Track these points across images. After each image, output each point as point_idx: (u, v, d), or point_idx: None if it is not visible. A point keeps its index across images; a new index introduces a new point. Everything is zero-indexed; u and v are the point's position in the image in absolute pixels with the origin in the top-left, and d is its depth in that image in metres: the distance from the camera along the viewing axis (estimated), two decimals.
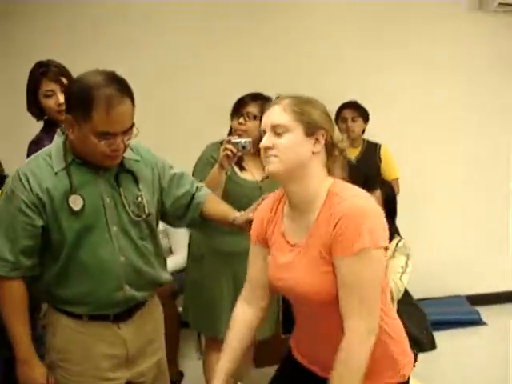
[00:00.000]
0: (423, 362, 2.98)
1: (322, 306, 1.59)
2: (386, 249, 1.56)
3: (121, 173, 1.93)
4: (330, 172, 1.66)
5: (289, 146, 1.59)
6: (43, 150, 1.95)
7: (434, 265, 4.19)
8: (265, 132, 1.64)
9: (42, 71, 2.52)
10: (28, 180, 1.83)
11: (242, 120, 2.66)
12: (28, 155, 2.51)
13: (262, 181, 2.64)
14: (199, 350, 3.62)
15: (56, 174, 1.85)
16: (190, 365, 3.50)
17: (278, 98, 1.67)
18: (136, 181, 1.96)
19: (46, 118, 2.60)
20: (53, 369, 1.96)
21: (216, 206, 2.12)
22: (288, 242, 1.68)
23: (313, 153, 1.60)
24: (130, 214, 1.92)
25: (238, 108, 2.69)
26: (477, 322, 4.16)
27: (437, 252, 4.27)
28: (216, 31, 3.95)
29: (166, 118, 3.94)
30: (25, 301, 1.90)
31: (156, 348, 2.10)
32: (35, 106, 2.54)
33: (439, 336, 3.26)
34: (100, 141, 1.77)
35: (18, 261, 1.85)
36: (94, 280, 1.89)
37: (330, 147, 1.65)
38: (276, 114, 1.62)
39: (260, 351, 2.96)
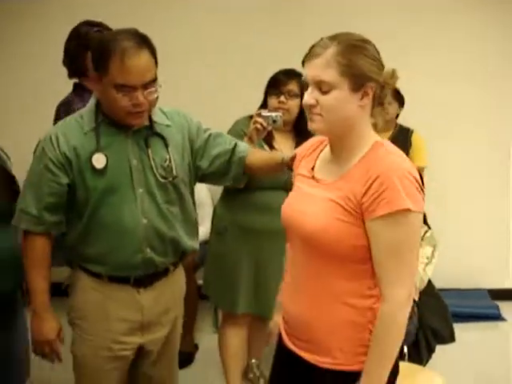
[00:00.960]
0: (440, 353, 2.96)
1: (323, 253, 1.50)
2: (424, 217, 1.49)
3: (150, 136, 1.94)
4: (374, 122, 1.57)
5: (334, 104, 1.47)
6: (78, 112, 1.98)
7: (457, 256, 4.13)
8: (307, 85, 1.52)
9: (97, 30, 2.50)
10: (58, 139, 1.88)
11: (283, 98, 2.66)
12: (56, 117, 2.51)
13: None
14: (215, 323, 3.63)
15: (85, 133, 1.89)
16: (205, 338, 3.52)
17: (321, 41, 1.50)
18: (165, 145, 1.96)
19: (76, 81, 2.58)
20: (71, 326, 2.02)
21: (259, 155, 2.08)
22: (313, 177, 1.60)
23: (360, 107, 1.49)
24: (158, 176, 1.92)
25: (277, 86, 2.68)
26: (496, 317, 4.10)
27: (461, 243, 4.22)
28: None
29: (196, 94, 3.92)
30: (47, 257, 1.95)
31: (172, 318, 2.11)
32: (78, 63, 2.50)
33: (457, 328, 3.23)
34: (119, 94, 1.79)
35: (41, 216, 1.90)
36: (114, 240, 1.91)
37: (378, 96, 1.53)
38: (319, 69, 1.47)
39: None
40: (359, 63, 1.46)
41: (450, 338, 3.07)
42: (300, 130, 2.70)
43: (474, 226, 4.29)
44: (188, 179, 2.05)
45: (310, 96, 1.50)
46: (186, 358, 3.28)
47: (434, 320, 2.86)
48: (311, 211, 1.52)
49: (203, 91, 3.96)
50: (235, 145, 2.08)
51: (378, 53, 1.52)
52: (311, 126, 1.53)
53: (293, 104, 2.67)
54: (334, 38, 1.48)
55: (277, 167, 2.01)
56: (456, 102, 4.17)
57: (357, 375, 1.49)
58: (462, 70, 4.17)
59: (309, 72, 1.50)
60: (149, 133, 1.94)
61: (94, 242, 1.94)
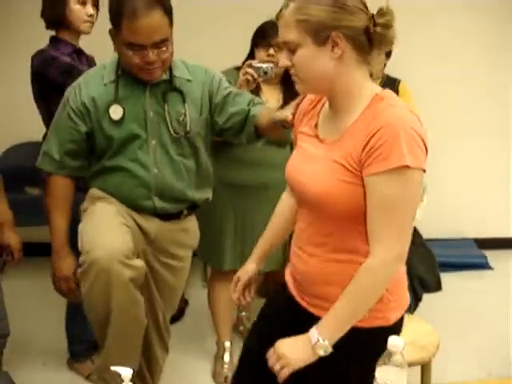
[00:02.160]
0: (427, 302, 3.00)
1: (327, 214, 1.46)
2: (424, 171, 1.39)
3: (169, 90, 2.00)
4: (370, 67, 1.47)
5: (303, 63, 1.42)
6: (102, 63, 2.07)
7: (444, 206, 4.15)
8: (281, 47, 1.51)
9: None
10: (80, 89, 1.99)
11: (272, 51, 2.58)
12: (32, 68, 2.44)
13: (277, 109, 2.59)
14: (205, 279, 3.67)
15: (105, 85, 1.98)
16: (195, 293, 3.55)
17: (287, 2, 1.45)
18: (183, 99, 2.01)
19: (52, 35, 2.52)
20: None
21: (264, 114, 2.05)
22: (317, 136, 1.53)
23: (334, 59, 1.41)
24: (171, 130, 1.99)
25: (266, 38, 2.60)
26: (483, 265, 4.16)
27: (448, 194, 4.23)
28: None
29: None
30: (68, 198, 2.09)
31: (181, 256, 2.23)
32: (58, 11, 2.45)
33: (445, 277, 3.26)
34: (130, 52, 1.85)
35: (63, 160, 2.03)
36: (126, 185, 2.03)
37: (360, 39, 1.41)
38: (282, 30, 1.45)
39: (266, 283, 2.99)
40: (315, 15, 1.38)
41: (436, 286, 3.11)
42: (288, 82, 2.64)
43: (461, 176, 4.30)
44: (205, 133, 2.10)
45: (283, 58, 1.47)
46: (177, 313, 3.30)
47: (421, 269, 2.89)
48: (312, 173, 1.48)
49: (188, 45, 3.87)
50: (252, 104, 2.08)
51: None
52: (296, 87, 1.50)
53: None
54: None
55: (273, 125, 1.96)
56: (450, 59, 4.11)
57: (373, 332, 1.46)
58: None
59: (279, 34, 1.48)
60: (167, 87, 2.00)
61: (108, 181, 2.05)
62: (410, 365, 2.02)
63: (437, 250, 3.16)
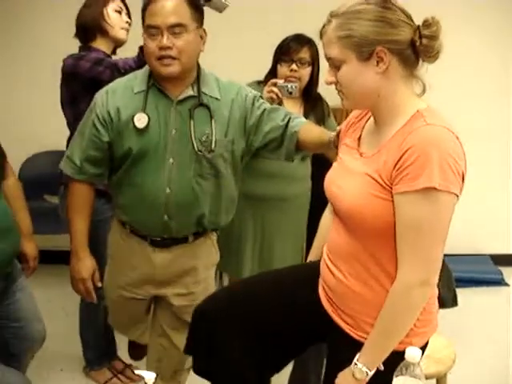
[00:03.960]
0: (443, 317, 2.98)
1: (360, 229, 1.45)
2: (457, 198, 1.36)
3: (196, 107, 1.96)
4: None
5: (347, 79, 1.42)
6: (134, 72, 2.08)
7: (461, 221, 4.12)
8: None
9: None
10: (107, 97, 1.98)
11: (294, 67, 2.60)
12: (64, 66, 2.46)
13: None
14: (220, 288, 3.67)
15: (135, 94, 1.97)
16: None
17: (329, 16, 1.44)
18: (210, 117, 1.97)
19: (81, 45, 2.55)
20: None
21: (311, 132, 1.99)
22: (358, 149, 1.52)
23: (379, 74, 1.39)
24: (195, 147, 1.95)
25: (288, 54, 2.61)
26: (499, 282, 4.14)
27: (465, 209, 4.19)
28: None
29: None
30: (88, 202, 2.10)
31: (189, 282, 2.17)
32: (97, 18, 2.49)
33: (460, 293, 3.25)
34: (148, 37, 1.87)
35: (82, 166, 2.03)
36: (136, 200, 2.02)
37: (405, 53, 1.39)
38: (326, 47, 1.44)
39: None
40: (358, 30, 1.37)
41: (452, 302, 3.10)
42: (308, 97, 2.70)
43: (478, 192, 4.28)
44: (229, 155, 2.03)
45: (328, 74, 1.47)
46: None
47: (438, 284, 2.88)
48: (347, 187, 1.47)
49: (208, 57, 3.91)
50: (289, 120, 2.01)
51: (391, 8, 1.38)
52: (342, 103, 1.50)
53: (304, 72, 2.62)
54: (335, 12, 1.43)
55: (324, 146, 1.91)
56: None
57: (397, 356, 1.40)
58: None
59: (324, 52, 1.47)
60: (195, 103, 1.97)
61: (121, 195, 2.06)
62: (427, 378, 2.03)
63: (453, 266, 3.13)
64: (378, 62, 1.38)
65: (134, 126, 1.93)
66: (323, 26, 1.44)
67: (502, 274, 4.18)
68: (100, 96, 2.01)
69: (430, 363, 2.14)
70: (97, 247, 2.20)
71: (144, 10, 1.89)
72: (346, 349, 1.50)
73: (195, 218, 2.05)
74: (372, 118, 1.53)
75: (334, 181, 1.54)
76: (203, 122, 1.97)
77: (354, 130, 1.59)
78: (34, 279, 2.55)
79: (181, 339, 2.19)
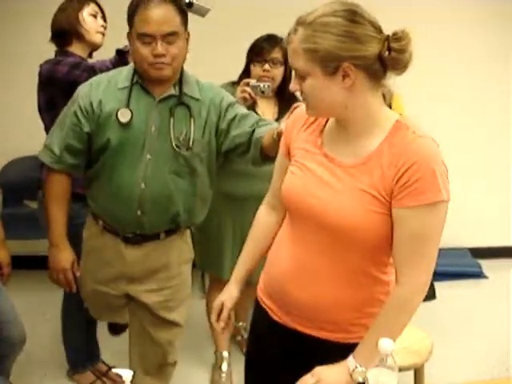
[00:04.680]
0: (422, 311, 3.02)
1: (350, 243, 1.44)
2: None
3: (177, 106, 2.01)
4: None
5: (312, 92, 1.39)
6: (119, 68, 2.12)
7: None
8: None
9: None
10: (91, 89, 2.01)
11: (267, 67, 2.62)
12: (41, 71, 2.47)
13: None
14: (202, 289, 3.69)
15: (118, 89, 2.01)
16: (194, 304, 3.53)
17: (295, 24, 1.39)
18: (190, 117, 2.01)
19: (57, 50, 2.56)
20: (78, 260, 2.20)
21: (267, 133, 1.99)
22: (326, 155, 1.47)
23: (345, 89, 1.36)
24: (173, 144, 1.99)
25: (261, 54, 2.63)
26: (478, 274, 4.19)
27: None
28: None
29: None
30: (66, 193, 2.11)
31: (161, 277, 2.19)
32: (72, 23, 2.49)
33: (439, 286, 3.30)
34: (141, 44, 1.89)
35: (61, 155, 2.05)
36: (110, 194, 2.04)
37: (372, 67, 1.36)
38: (290, 56, 1.40)
39: None
40: (324, 45, 1.32)
41: (431, 295, 3.14)
42: (283, 96, 2.71)
43: (456, 187, 4.32)
44: (206, 155, 2.08)
45: (292, 83, 1.44)
46: None
47: None
48: (336, 202, 1.42)
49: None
50: (257, 125, 2.05)
51: (359, 21, 1.33)
52: (306, 111, 1.48)
53: (277, 72, 2.64)
54: (302, 20, 1.37)
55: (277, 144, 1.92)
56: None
57: None
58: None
59: (289, 61, 1.44)
60: (175, 102, 2.01)
61: (96, 188, 2.09)
62: (404, 369, 2.09)
63: None
64: (343, 77, 1.35)
65: (118, 120, 1.97)
66: (289, 34, 1.40)
67: (480, 267, 4.24)
68: (83, 88, 2.04)
69: (408, 355, 2.18)
70: (78, 249, 2.21)
71: (132, 15, 1.90)
72: (326, 355, 1.48)
73: (169, 215, 2.08)
74: (332, 122, 1.51)
75: (309, 192, 1.47)
76: (183, 121, 2.01)
77: (309, 133, 1.55)
78: (14, 285, 2.54)
79: (161, 334, 2.24)
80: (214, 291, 2.89)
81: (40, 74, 2.46)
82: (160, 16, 1.87)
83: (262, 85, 2.38)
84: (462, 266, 4.21)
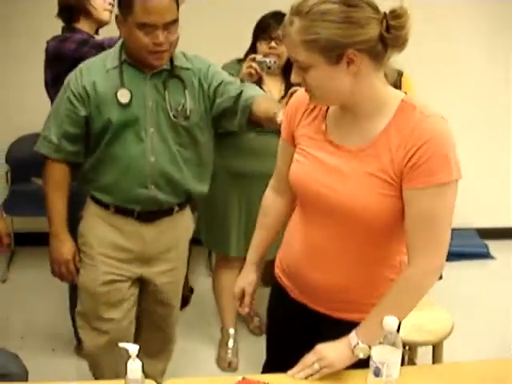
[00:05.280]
0: (428, 292, 3.02)
1: (361, 227, 1.43)
2: None
3: (169, 79, 2.01)
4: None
5: (316, 83, 1.35)
6: (105, 52, 2.08)
7: None
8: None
9: None
10: (81, 74, 1.99)
11: (273, 44, 2.62)
12: (48, 48, 2.46)
13: (279, 100, 2.62)
14: (209, 266, 3.71)
15: (107, 71, 1.99)
16: (200, 281, 3.59)
17: (287, 16, 1.33)
18: (183, 87, 2.02)
19: (64, 26, 2.55)
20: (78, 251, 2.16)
21: (260, 106, 2.01)
22: (331, 142, 1.45)
23: (351, 75, 1.33)
24: (171, 116, 1.99)
25: (267, 31, 2.63)
26: (485, 255, 4.19)
27: None
28: None
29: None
30: (66, 182, 2.08)
31: (173, 257, 2.21)
32: (80, 3, 2.47)
33: (446, 267, 3.26)
34: (141, 33, 1.86)
35: (60, 144, 2.02)
36: (121, 173, 2.02)
37: (375, 49, 1.32)
38: (289, 49, 1.35)
39: (268, 270, 3.03)
40: (325, 34, 1.28)
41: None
42: (289, 74, 2.69)
43: (463, 167, 4.30)
44: (204, 124, 2.10)
45: (294, 74, 1.39)
46: (183, 301, 3.34)
47: None
48: (349, 190, 1.41)
49: (189, 36, 3.88)
50: (241, 92, 2.06)
51: (356, 5, 1.28)
52: (310, 100, 1.44)
53: (283, 49, 2.58)
54: (296, 10, 1.31)
55: (272, 122, 1.89)
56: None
57: None
58: None
59: (288, 52, 1.40)
60: (168, 75, 2.01)
61: (104, 173, 2.05)
62: (423, 344, 2.26)
63: None
64: (348, 64, 1.31)
65: (117, 101, 1.96)
66: (284, 26, 1.35)
67: (487, 247, 4.23)
68: (73, 74, 2.02)
69: (425, 332, 2.26)
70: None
71: (130, 2, 1.86)
72: (341, 333, 1.49)
73: (181, 187, 2.09)
74: (334, 106, 1.48)
75: (317, 180, 1.46)
76: (177, 93, 2.02)
77: (311, 119, 1.52)
78: (21, 262, 2.57)
79: (168, 320, 2.32)
80: (221, 269, 2.91)
81: (47, 51, 2.46)
82: (162, 5, 1.86)
83: (268, 60, 2.37)
84: (469, 246, 4.18)
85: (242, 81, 2.37)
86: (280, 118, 1.76)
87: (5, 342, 2.32)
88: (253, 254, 1.81)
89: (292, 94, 1.67)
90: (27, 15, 3.73)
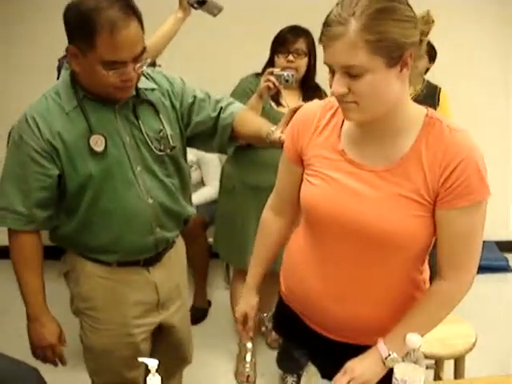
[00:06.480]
0: None
1: (391, 251, 1.37)
2: None
3: (138, 105, 1.74)
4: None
5: (371, 90, 1.21)
6: (51, 88, 1.73)
7: None
8: (332, 70, 1.24)
9: None
10: (37, 124, 1.65)
11: (291, 58, 2.64)
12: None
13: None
14: (227, 280, 3.71)
15: (67, 114, 1.67)
16: (218, 294, 3.59)
17: (338, 15, 1.19)
18: (156, 112, 1.78)
19: None
20: (78, 316, 1.94)
21: (247, 123, 1.85)
22: (351, 162, 1.36)
23: (400, 80, 1.24)
24: (154, 149, 1.75)
25: (285, 45, 2.65)
26: (505, 269, 4.15)
27: None
28: None
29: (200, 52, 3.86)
30: (39, 254, 1.79)
31: (181, 290, 2.06)
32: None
33: None
34: (108, 71, 1.57)
35: (32, 214, 1.71)
36: (121, 227, 1.77)
37: (416, 53, 1.24)
38: (344, 53, 1.18)
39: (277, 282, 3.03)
40: (392, 33, 1.17)
41: None
42: (307, 87, 2.73)
43: None
44: (182, 147, 1.89)
45: (338, 84, 1.23)
46: (200, 314, 3.36)
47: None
48: (378, 213, 1.33)
49: (207, 50, 3.90)
50: (221, 110, 1.87)
51: (409, 4, 1.21)
52: (347, 116, 1.30)
53: (301, 63, 2.66)
54: (351, 8, 1.18)
55: (264, 142, 1.77)
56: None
57: None
58: None
59: (331, 58, 1.22)
60: (136, 101, 1.74)
61: (99, 232, 1.77)
62: (445, 358, 2.26)
63: None
64: (401, 68, 1.22)
65: (91, 150, 1.67)
66: (333, 24, 1.19)
67: (507, 260, 4.19)
68: (25, 128, 1.66)
69: (447, 346, 2.26)
70: None
71: (89, 34, 1.53)
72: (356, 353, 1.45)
73: (181, 216, 1.93)
74: (348, 123, 1.38)
75: (339, 204, 1.37)
76: (151, 120, 1.77)
77: (326, 137, 1.42)
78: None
79: (187, 351, 2.18)
80: (238, 282, 2.90)
81: (59, 69, 2.49)
82: (130, 37, 1.55)
83: (286, 73, 2.37)
84: (489, 259, 4.12)
85: (259, 95, 2.38)
86: (277, 136, 1.70)
87: (24, 356, 2.30)
88: (252, 276, 1.73)
89: (293, 112, 1.59)
90: (25, 19, 3.76)
